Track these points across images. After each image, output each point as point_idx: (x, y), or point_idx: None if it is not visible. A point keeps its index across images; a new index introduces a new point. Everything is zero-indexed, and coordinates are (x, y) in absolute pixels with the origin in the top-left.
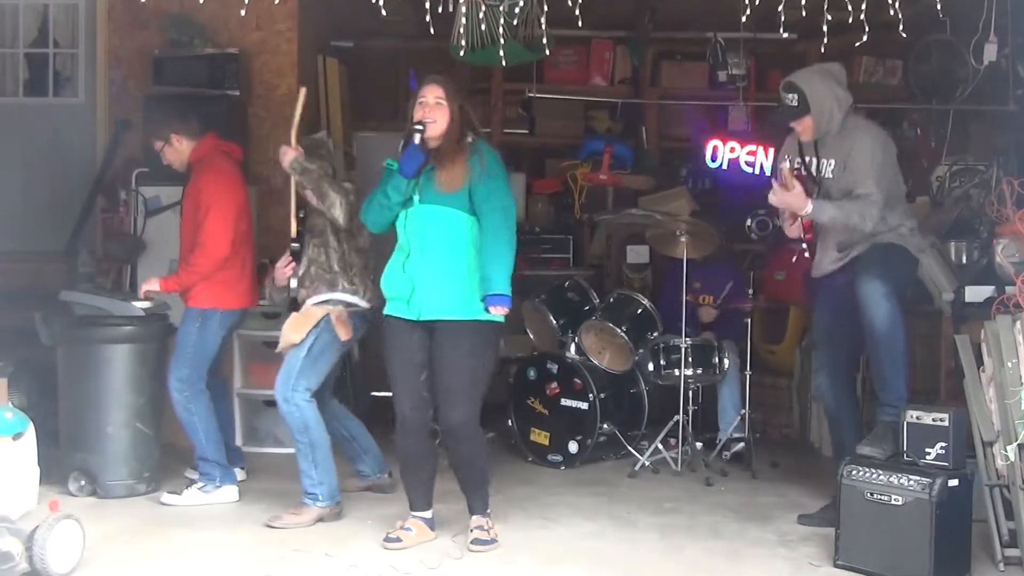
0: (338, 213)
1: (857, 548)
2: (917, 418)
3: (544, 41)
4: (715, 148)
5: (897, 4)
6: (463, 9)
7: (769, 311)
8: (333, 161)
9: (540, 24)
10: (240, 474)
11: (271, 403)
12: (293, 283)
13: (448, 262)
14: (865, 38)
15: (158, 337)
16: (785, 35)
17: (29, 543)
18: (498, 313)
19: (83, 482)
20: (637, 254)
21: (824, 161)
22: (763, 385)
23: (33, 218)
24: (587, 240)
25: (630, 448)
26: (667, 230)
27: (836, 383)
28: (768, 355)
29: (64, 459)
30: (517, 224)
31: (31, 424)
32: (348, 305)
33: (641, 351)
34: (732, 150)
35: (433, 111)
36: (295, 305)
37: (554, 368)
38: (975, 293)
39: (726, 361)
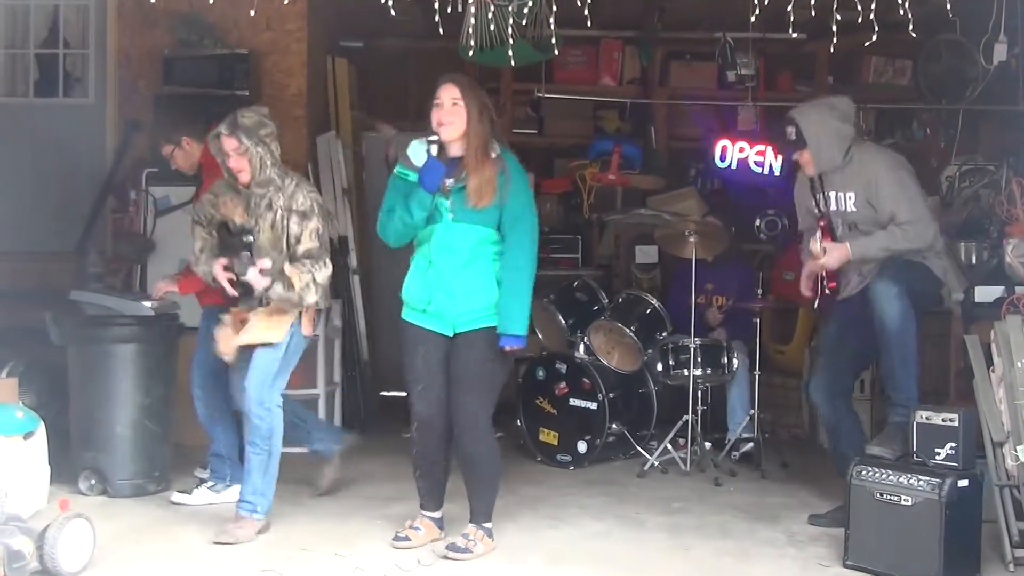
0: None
1: (866, 548)
2: (927, 418)
3: (553, 41)
4: (724, 148)
5: (907, 4)
6: (472, 9)
7: (778, 311)
8: (274, 146)
9: (549, 24)
10: None
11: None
12: (265, 281)
13: (474, 276)
14: (875, 38)
15: (168, 337)
16: (794, 35)
17: (40, 542)
18: (510, 349)
19: (93, 481)
20: (646, 254)
21: (840, 195)
22: (772, 385)
23: (43, 218)
24: (596, 240)
25: (639, 448)
26: (676, 230)
27: (831, 394)
28: (777, 355)
29: (74, 458)
30: None
31: (41, 423)
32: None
33: (650, 351)
34: (741, 150)
35: (450, 113)
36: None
37: (563, 368)
38: (985, 293)
39: (735, 361)
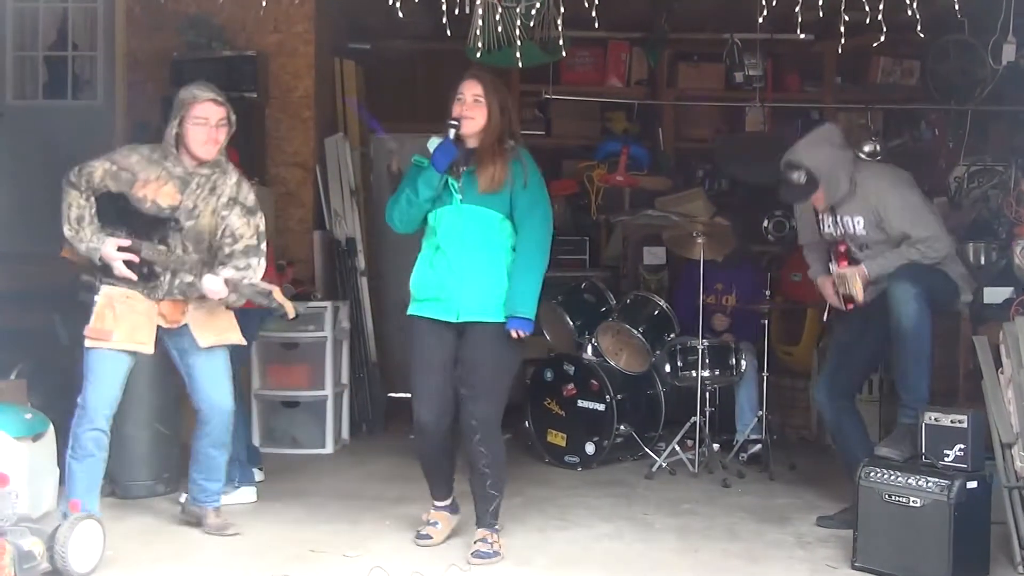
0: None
1: (875, 550)
2: (935, 420)
3: (560, 43)
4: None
5: (915, 4)
6: (479, 11)
7: (786, 312)
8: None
9: (556, 26)
10: (258, 475)
11: (289, 404)
12: (224, 292)
13: (483, 263)
14: (883, 38)
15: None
16: (802, 36)
17: (50, 543)
18: (517, 335)
19: (103, 482)
20: (654, 255)
21: (847, 218)
22: (780, 387)
23: (52, 220)
24: (603, 241)
25: (647, 449)
26: (684, 231)
27: (835, 394)
28: (785, 356)
29: None
30: None
31: (51, 425)
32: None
33: (658, 352)
34: None
35: (471, 108)
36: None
37: (571, 369)
38: (994, 294)
39: (743, 362)
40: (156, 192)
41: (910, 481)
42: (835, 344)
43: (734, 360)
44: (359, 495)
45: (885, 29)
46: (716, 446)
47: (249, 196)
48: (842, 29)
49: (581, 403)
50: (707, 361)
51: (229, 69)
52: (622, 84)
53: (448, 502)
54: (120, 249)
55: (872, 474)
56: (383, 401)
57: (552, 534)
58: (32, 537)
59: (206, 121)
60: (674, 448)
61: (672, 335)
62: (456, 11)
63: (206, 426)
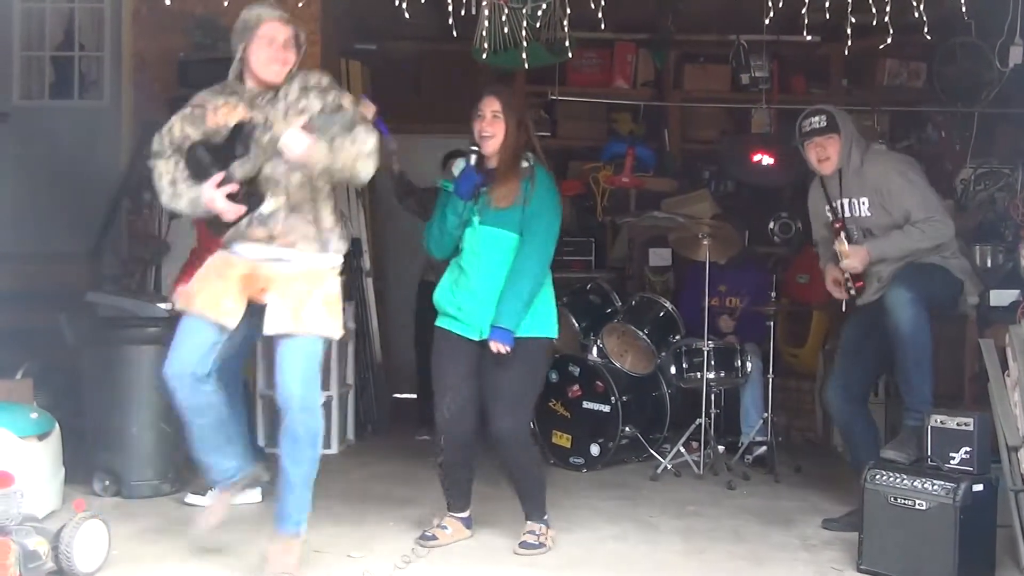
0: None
1: (880, 553)
2: (941, 422)
3: (567, 44)
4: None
5: (921, 6)
6: (486, 12)
7: (792, 314)
8: None
9: (563, 27)
10: (263, 476)
11: None
12: (307, 140)
13: (500, 283)
14: (889, 40)
15: None
16: (808, 38)
17: (56, 542)
18: (497, 349)
19: (108, 482)
20: (659, 257)
21: (854, 201)
22: (786, 389)
23: (58, 220)
24: (609, 243)
25: (652, 451)
26: (690, 233)
27: (847, 397)
28: (791, 358)
29: (89, 459)
30: None
31: (56, 424)
32: None
33: (663, 354)
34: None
35: (490, 124)
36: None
37: (576, 371)
38: (1000, 297)
39: (749, 364)
40: (226, 116)
41: (915, 484)
42: (843, 347)
43: (739, 362)
44: (364, 496)
45: (892, 31)
46: (721, 448)
47: (323, 79)
48: (848, 31)
49: (586, 404)
50: (712, 363)
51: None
52: (628, 85)
53: (465, 515)
54: (218, 187)
55: (878, 477)
56: (388, 402)
57: (558, 536)
58: (37, 536)
59: (272, 40)
60: (679, 450)
61: (677, 337)
62: (462, 12)
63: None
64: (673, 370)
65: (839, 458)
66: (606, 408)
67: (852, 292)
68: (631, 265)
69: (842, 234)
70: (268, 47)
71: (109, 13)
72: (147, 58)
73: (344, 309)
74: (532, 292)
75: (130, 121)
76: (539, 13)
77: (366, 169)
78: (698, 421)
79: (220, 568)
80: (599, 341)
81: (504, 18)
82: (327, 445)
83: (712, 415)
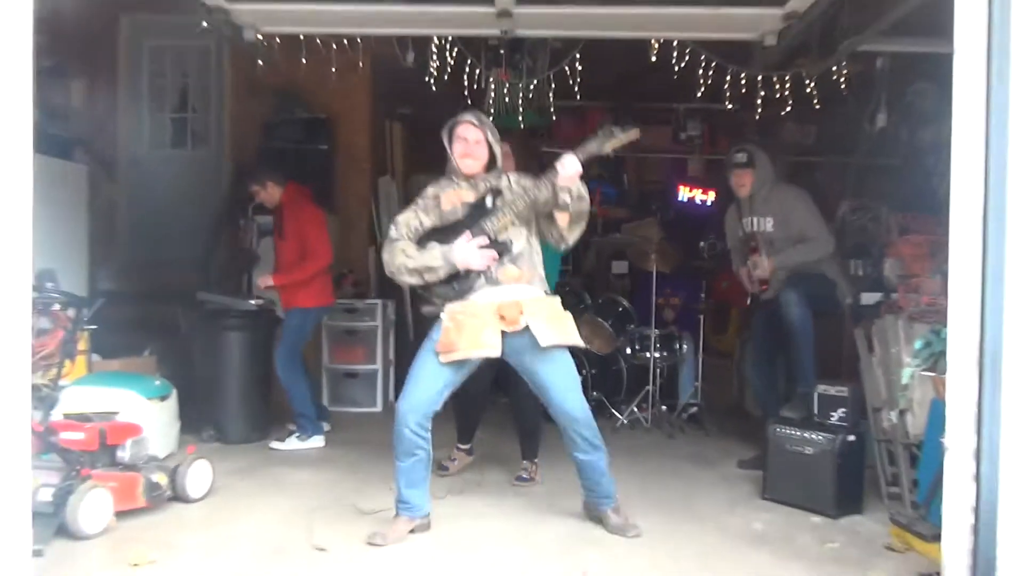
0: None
1: (779, 486)
2: (824, 390)
3: (551, 110)
4: (678, 189)
5: (812, 84)
6: (493, 87)
7: (716, 310)
8: None
9: (549, 98)
10: (326, 427)
11: (350, 375)
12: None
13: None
14: (789, 109)
15: (267, 326)
16: (730, 106)
17: (173, 476)
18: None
19: (212, 432)
20: (619, 267)
21: (760, 219)
22: (712, 365)
23: (177, 237)
24: (583, 256)
25: (613, 411)
26: (642, 249)
27: (760, 372)
28: (715, 343)
29: (198, 415)
30: None
31: (174, 390)
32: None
33: (621, 339)
34: (691, 190)
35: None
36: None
37: None
38: (868, 298)
39: (684, 346)
40: (458, 197)
41: (805, 435)
42: (754, 335)
43: (678, 345)
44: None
45: (791, 102)
46: (664, 408)
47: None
48: (759, 102)
49: None
50: (657, 345)
51: (307, 128)
52: None
53: (467, 446)
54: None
55: (778, 429)
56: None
57: (544, 472)
58: (159, 472)
59: (464, 140)
60: (633, 410)
61: (632, 326)
62: (475, 86)
63: (566, 435)
64: (628, 351)
65: (749, 416)
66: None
67: (759, 290)
68: (598, 273)
69: (760, 258)
70: (461, 142)
71: (214, 84)
72: (241, 118)
73: (386, 304)
74: None
75: (228, 165)
76: (531, 87)
77: (581, 229)
78: (647, 388)
79: (291, 498)
80: None
81: (506, 91)
82: (373, 405)
83: (657, 384)
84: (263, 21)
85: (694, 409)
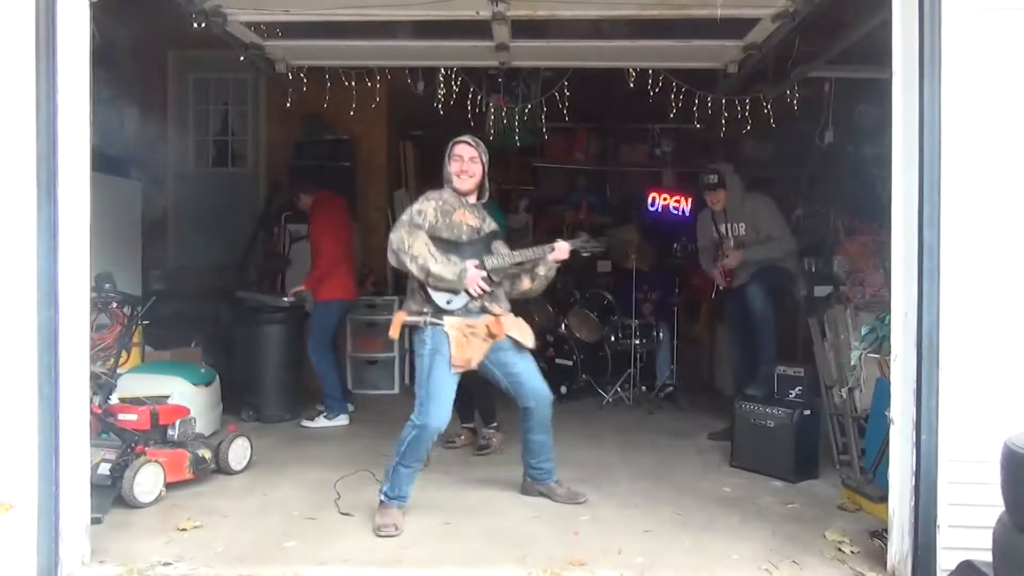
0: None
1: (745, 455)
2: (784, 371)
3: (543, 130)
4: (653, 198)
5: (769, 106)
6: (492, 110)
7: (689, 303)
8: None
9: (541, 120)
10: (350, 407)
11: (371, 361)
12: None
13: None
14: (748, 128)
15: (298, 320)
16: (698, 126)
17: (216, 451)
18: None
19: (250, 412)
20: (604, 266)
21: (735, 224)
22: (685, 350)
23: (219, 244)
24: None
25: (599, 390)
26: (623, 251)
27: (738, 354)
28: (688, 331)
29: (238, 398)
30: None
31: (217, 376)
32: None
33: (606, 328)
34: (665, 199)
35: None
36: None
37: (551, 338)
38: (820, 291)
39: (661, 334)
40: (464, 217)
41: (767, 410)
42: (728, 322)
43: (655, 333)
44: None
45: (750, 122)
46: (644, 388)
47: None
48: (723, 122)
49: (558, 361)
50: (638, 333)
51: (332, 148)
52: (583, 156)
53: (471, 425)
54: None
55: (743, 405)
56: None
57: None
58: (204, 448)
59: (460, 158)
60: (617, 390)
61: (616, 317)
62: (477, 110)
63: (534, 417)
64: (612, 338)
65: (720, 395)
66: (570, 363)
67: (727, 281)
68: (585, 271)
69: (724, 247)
70: (457, 161)
71: (250, 111)
72: (275, 140)
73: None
74: None
75: (264, 181)
76: (526, 111)
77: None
78: (629, 371)
79: (320, 470)
80: (566, 319)
81: (504, 113)
82: (391, 387)
83: (638, 367)
84: (293, 56)
85: (670, 388)
